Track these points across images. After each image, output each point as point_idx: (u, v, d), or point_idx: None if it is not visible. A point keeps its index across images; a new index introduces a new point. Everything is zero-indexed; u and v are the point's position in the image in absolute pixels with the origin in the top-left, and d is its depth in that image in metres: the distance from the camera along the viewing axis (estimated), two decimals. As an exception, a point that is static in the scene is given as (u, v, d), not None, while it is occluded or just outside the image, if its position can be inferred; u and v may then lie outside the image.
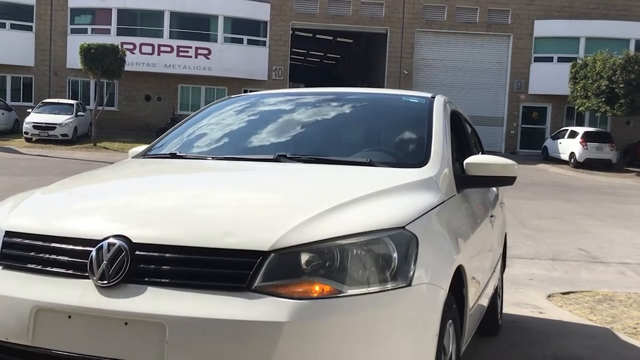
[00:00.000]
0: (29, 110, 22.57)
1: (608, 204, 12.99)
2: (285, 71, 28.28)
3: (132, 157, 3.06)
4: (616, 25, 27.55)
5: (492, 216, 3.39)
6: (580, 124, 27.30)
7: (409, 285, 1.87)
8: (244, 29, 27.96)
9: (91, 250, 1.86)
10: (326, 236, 1.83)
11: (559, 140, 24.06)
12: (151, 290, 1.78)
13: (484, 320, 3.48)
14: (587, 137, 22.52)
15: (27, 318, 1.83)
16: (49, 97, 25.43)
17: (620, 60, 22.20)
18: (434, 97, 3.15)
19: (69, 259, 1.90)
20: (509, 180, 2.76)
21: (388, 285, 1.84)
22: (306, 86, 36.21)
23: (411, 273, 1.88)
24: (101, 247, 1.85)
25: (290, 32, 28.55)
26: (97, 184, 2.61)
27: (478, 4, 28.14)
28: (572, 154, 22.72)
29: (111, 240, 1.86)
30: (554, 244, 7.89)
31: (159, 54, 26.77)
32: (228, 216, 1.98)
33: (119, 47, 22.02)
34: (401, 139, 2.93)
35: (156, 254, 1.83)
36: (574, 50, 27.51)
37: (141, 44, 26.66)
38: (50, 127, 21.05)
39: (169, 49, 26.89)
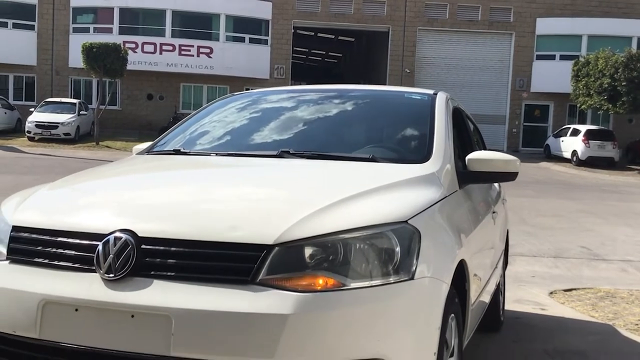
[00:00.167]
0: (32, 109, 22.63)
1: (610, 201, 12.99)
2: (287, 70, 28.29)
3: (137, 154, 3.09)
4: (618, 23, 27.51)
5: (494, 212, 3.41)
6: (583, 122, 27.27)
7: (412, 279, 1.89)
8: (245, 28, 27.98)
9: (98, 244, 1.88)
10: (330, 230, 1.85)
11: (561, 138, 24.05)
12: (157, 284, 1.80)
13: (486, 316, 3.50)
14: (590, 135, 22.50)
15: (34, 311, 1.85)
16: (52, 96, 25.48)
17: (622, 58, 22.19)
18: (436, 94, 3.17)
19: (76, 253, 1.92)
20: (510, 176, 2.77)
21: (391, 279, 1.86)
22: (308, 84, 36.12)
23: (414, 267, 1.90)
24: (107, 241, 1.87)
25: (292, 30, 28.56)
26: (102, 179, 2.64)
27: (480, 2, 28.12)
28: (574, 152, 22.71)
29: (117, 234, 1.88)
30: (556, 241, 7.90)
31: (161, 53, 26.80)
32: (233, 210, 2.00)
33: (121, 46, 22.07)
34: (403, 135, 2.95)
35: (162, 247, 1.85)
36: (576, 48, 27.48)
37: (143, 43, 26.70)
38: (53, 126, 21.10)
39: (171, 47, 26.93)
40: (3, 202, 2.33)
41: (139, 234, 1.87)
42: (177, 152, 2.88)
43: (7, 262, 2.02)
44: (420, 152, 2.66)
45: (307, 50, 40.76)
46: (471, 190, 2.88)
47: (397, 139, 2.94)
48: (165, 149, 2.99)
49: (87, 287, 1.84)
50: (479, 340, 3.68)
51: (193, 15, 27.52)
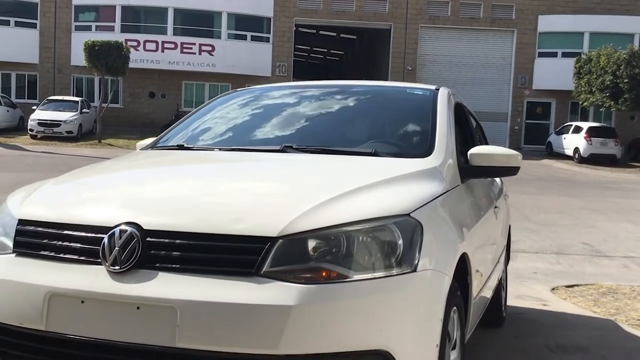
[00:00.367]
0: (34, 107, 22.67)
1: (612, 198, 12.99)
2: (288, 67, 28.29)
3: (140, 149, 3.10)
4: (621, 20, 27.46)
5: (496, 207, 3.42)
6: (585, 119, 27.23)
7: (414, 271, 1.90)
8: (247, 26, 27.98)
9: (103, 237, 1.89)
10: (333, 223, 1.87)
11: (563, 136, 24.02)
12: (162, 276, 1.82)
13: (488, 311, 3.51)
14: (592, 132, 22.47)
15: (41, 303, 1.87)
16: (54, 95, 25.51)
17: (624, 55, 22.16)
18: (438, 89, 3.19)
19: (82, 245, 1.94)
20: (512, 171, 2.78)
21: (393, 271, 1.87)
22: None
23: (416, 259, 1.92)
24: (113, 233, 1.89)
25: (294, 28, 28.55)
26: (107, 173, 2.65)
27: (482, 0, 28.09)
28: (576, 149, 22.68)
29: (123, 227, 1.89)
30: (558, 238, 7.91)
31: (162, 51, 26.82)
32: (237, 204, 2.02)
33: (123, 44, 22.08)
34: (406, 130, 2.97)
35: (167, 240, 1.86)
36: (578, 45, 27.43)
37: (145, 41, 26.72)
38: (55, 124, 21.14)
39: (172, 45, 26.95)
40: (9, 197, 2.35)
41: (144, 227, 1.89)
42: (180, 147, 2.89)
43: (14, 255, 2.04)
44: (422, 147, 2.67)
45: (308, 48, 40.75)
46: (473, 185, 2.89)
47: (400, 134, 2.95)
48: (169, 144, 3.01)
49: (93, 279, 1.85)
50: (481, 335, 3.69)
51: (195, 13, 27.53)
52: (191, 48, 27.03)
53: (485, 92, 28.07)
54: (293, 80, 28.02)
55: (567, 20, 27.85)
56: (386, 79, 27.66)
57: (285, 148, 2.64)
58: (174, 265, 1.84)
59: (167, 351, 1.76)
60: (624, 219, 10.00)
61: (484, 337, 3.77)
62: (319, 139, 2.88)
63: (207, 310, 1.74)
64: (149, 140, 3.22)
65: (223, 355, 1.75)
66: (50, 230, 2.01)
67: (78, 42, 24.82)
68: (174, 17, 27.28)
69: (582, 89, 24.16)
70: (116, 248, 1.86)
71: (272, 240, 1.82)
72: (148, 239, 1.87)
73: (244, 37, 27.99)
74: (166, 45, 26.89)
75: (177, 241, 1.86)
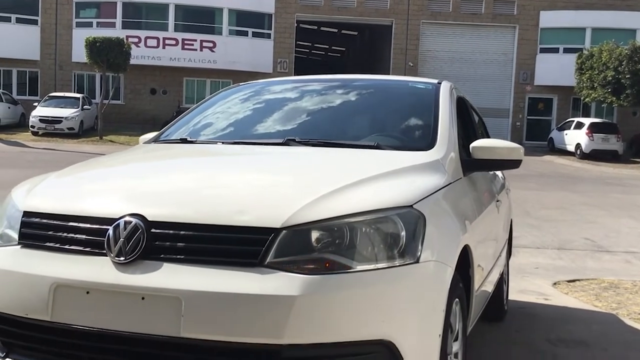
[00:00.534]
0: (35, 104, 22.69)
1: (614, 194, 12.98)
2: (290, 64, 28.28)
3: (143, 143, 3.11)
4: (622, 15, 27.39)
5: (497, 201, 3.43)
6: (587, 115, 27.20)
7: (417, 262, 1.91)
8: (248, 22, 27.95)
9: (108, 229, 1.91)
10: (336, 214, 1.88)
11: (565, 132, 23.99)
12: (167, 266, 1.83)
13: (490, 305, 3.52)
14: (593, 128, 22.43)
15: (46, 294, 1.88)
16: (55, 91, 25.54)
17: (626, 51, 22.11)
18: (440, 83, 3.19)
19: (87, 237, 1.95)
20: (514, 164, 2.79)
21: (396, 262, 1.89)
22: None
23: (419, 251, 1.93)
24: (118, 225, 1.90)
25: (295, 24, 28.52)
26: (111, 166, 2.67)
27: (483, -5, 28.05)
28: (578, 145, 22.66)
29: (127, 218, 1.91)
30: (559, 233, 7.91)
31: (164, 47, 26.82)
32: (241, 195, 2.03)
33: (124, 40, 22.08)
34: (408, 123, 2.97)
35: (171, 231, 1.88)
36: (580, 41, 27.38)
37: (146, 37, 26.71)
38: (57, 120, 21.17)
39: (174, 42, 26.94)
40: (13, 189, 2.36)
41: (149, 218, 1.90)
42: (184, 140, 2.90)
43: (19, 246, 2.05)
44: (424, 140, 2.68)
45: (310, 44, 40.68)
46: (475, 179, 2.90)
47: (402, 127, 2.96)
48: (172, 138, 3.02)
49: (98, 270, 1.87)
50: (483, 328, 3.71)
51: (196, 9, 27.51)
52: (192, 44, 27.02)
53: (487, 88, 28.03)
54: (294, 77, 27.98)
55: (569, 16, 27.78)
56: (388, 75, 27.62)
57: (288, 141, 2.65)
58: (178, 256, 1.85)
59: (172, 341, 1.77)
60: (625, 214, 10.00)
61: (485, 330, 3.79)
62: (322, 132, 2.89)
63: (212, 301, 1.75)
64: (152, 135, 3.23)
65: (227, 345, 1.76)
66: (55, 222, 2.02)
67: (79, 38, 24.82)
68: (175, 14, 27.26)
69: (584, 84, 24.12)
70: (121, 239, 1.87)
71: (275, 231, 1.83)
72: (153, 230, 1.88)
73: (245, 34, 27.96)
74: (167, 41, 26.89)
75: (182, 232, 1.87)
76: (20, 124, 23.92)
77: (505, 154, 2.75)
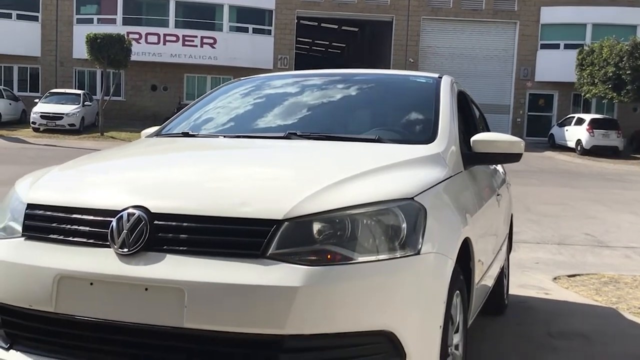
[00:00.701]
0: (36, 100, 22.69)
1: (614, 190, 12.99)
2: (290, 60, 28.26)
3: (146, 137, 3.13)
4: (623, 11, 27.34)
5: (498, 195, 3.44)
6: (587, 111, 27.17)
7: (418, 254, 1.93)
8: (249, 18, 27.93)
9: (111, 220, 1.92)
10: (337, 206, 1.89)
11: (566, 128, 23.98)
12: (170, 258, 1.85)
13: (490, 299, 3.54)
14: (594, 124, 22.42)
15: (50, 285, 1.90)
16: (56, 87, 25.54)
17: (627, 47, 22.09)
18: (441, 77, 3.20)
19: (90, 228, 1.97)
20: (515, 157, 2.80)
21: (397, 254, 1.90)
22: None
23: (420, 243, 1.94)
24: (121, 217, 1.91)
25: (296, 20, 28.49)
26: (114, 159, 2.68)
27: (484, -9, 28.00)
28: (578, 141, 22.65)
29: (130, 210, 1.92)
30: (560, 228, 7.93)
31: (164, 44, 26.80)
32: (243, 187, 2.04)
33: (125, 36, 22.06)
34: (409, 117, 2.99)
35: (174, 223, 1.89)
36: (581, 36, 27.34)
37: (147, 34, 26.69)
38: (58, 117, 21.17)
39: (174, 38, 26.92)
40: (17, 182, 2.37)
41: (152, 210, 1.91)
42: (185, 134, 2.92)
43: (23, 238, 2.06)
44: (425, 133, 2.69)
45: (310, 40, 40.63)
46: (476, 172, 2.91)
47: (403, 121, 2.98)
48: (173, 132, 3.04)
49: (102, 261, 1.88)
50: (483, 322, 3.72)
51: (196, 5, 27.48)
52: (193, 41, 27.01)
53: (488, 84, 28.01)
54: (295, 73, 27.96)
55: (569, 12, 27.74)
56: (388, 71, 27.58)
57: (290, 135, 2.67)
58: (181, 248, 1.86)
59: (175, 331, 1.79)
60: (626, 210, 10.01)
61: (486, 323, 3.80)
62: (323, 126, 2.90)
63: (214, 291, 1.77)
64: (154, 129, 3.24)
65: (230, 335, 1.78)
66: (58, 214, 2.03)
67: (80, 35, 24.79)
68: (175, 10, 27.23)
69: (585, 80, 24.10)
70: (124, 231, 1.89)
71: (277, 222, 1.84)
72: (156, 222, 1.89)
73: (245, 30, 27.94)
74: (168, 38, 26.87)
75: (184, 224, 1.88)
76: (21, 120, 23.93)
77: (505, 147, 2.76)
